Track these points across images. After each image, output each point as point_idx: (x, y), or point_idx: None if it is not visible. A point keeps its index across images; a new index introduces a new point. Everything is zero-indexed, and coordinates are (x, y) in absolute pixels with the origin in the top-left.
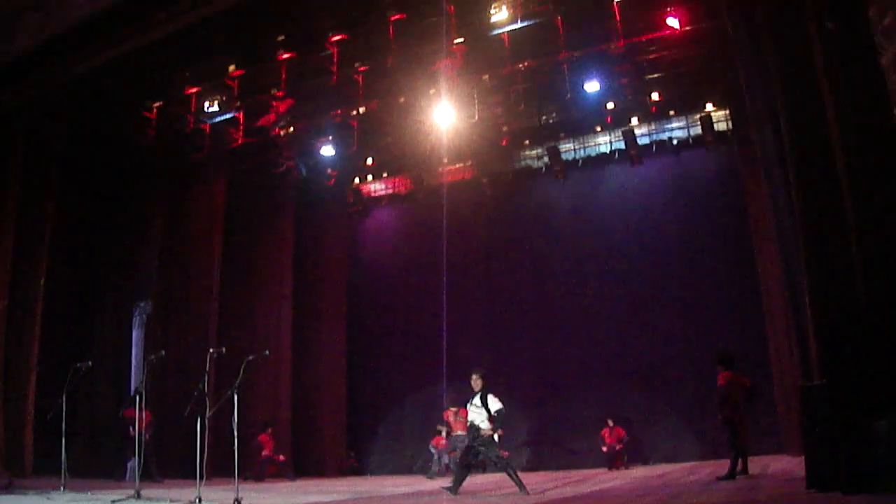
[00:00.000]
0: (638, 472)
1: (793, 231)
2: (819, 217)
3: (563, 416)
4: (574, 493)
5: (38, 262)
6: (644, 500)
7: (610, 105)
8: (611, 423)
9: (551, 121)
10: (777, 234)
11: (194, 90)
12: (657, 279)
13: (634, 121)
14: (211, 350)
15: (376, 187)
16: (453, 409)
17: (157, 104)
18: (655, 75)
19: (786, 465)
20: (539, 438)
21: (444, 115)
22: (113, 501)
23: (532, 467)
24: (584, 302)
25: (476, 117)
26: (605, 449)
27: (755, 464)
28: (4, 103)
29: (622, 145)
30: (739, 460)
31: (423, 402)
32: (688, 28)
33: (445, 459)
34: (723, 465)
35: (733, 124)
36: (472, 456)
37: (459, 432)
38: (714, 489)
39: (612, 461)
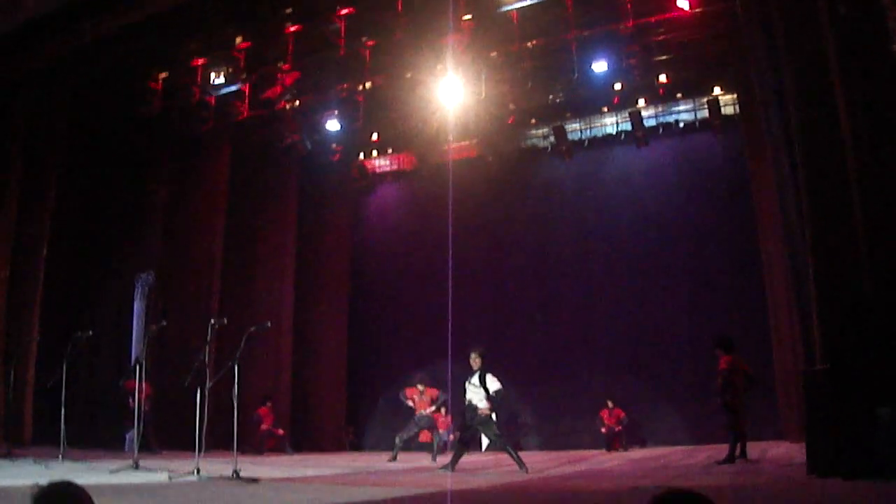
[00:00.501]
0: (636, 454)
1: (798, 215)
2: (826, 202)
3: (562, 397)
4: (573, 471)
5: (41, 233)
6: (643, 482)
7: (617, 86)
8: (610, 404)
9: (558, 100)
10: (782, 218)
11: (200, 61)
12: (660, 261)
13: (641, 102)
14: (212, 321)
15: (381, 163)
16: (419, 387)
17: (162, 75)
18: (664, 57)
19: (785, 451)
20: (538, 419)
21: (451, 92)
22: (111, 471)
23: (531, 447)
24: (587, 282)
25: (483, 95)
26: (603, 430)
27: (754, 449)
28: (8, 73)
29: (629, 126)
30: (738, 445)
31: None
32: (698, 10)
33: (445, 437)
34: (720, 450)
35: (741, 108)
36: (470, 434)
37: (423, 411)
38: (714, 472)
39: (611, 442)
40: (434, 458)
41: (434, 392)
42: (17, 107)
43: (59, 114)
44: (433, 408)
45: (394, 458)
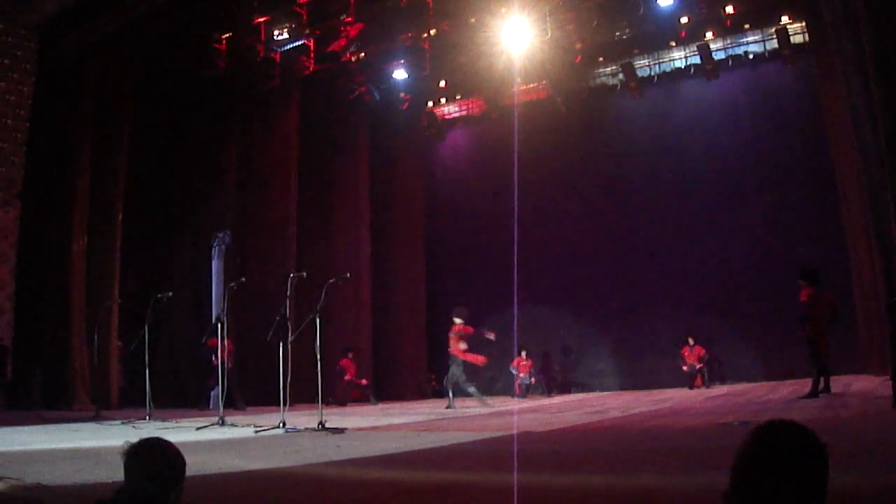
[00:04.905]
0: (718, 391)
1: (874, 142)
2: None
3: (642, 336)
4: (656, 410)
5: (115, 200)
6: (728, 418)
7: (684, 19)
8: (691, 341)
9: (625, 36)
10: (858, 146)
11: (263, 19)
12: (735, 196)
13: (709, 35)
14: (291, 275)
15: (450, 109)
16: (458, 321)
17: (226, 35)
18: None
19: (868, 385)
20: (618, 359)
21: (516, 34)
22: (197, 428)
23: (613, 388)
24: (662, 220)
25: (549, 35)
26: (685, 368)
27: (837, 383)
28: (75, 44)
29: (697, 60)
30: (821, 379)
31: (502, 322)
32: None
33: (527, 380)
34: (803, 384)
35: (810, 36)
36: None
37: (456, 354)
38: (798, 407)
39: (693, 380)
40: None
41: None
42: (85, 79)
43: (127, 82)
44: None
45: (482, 403)
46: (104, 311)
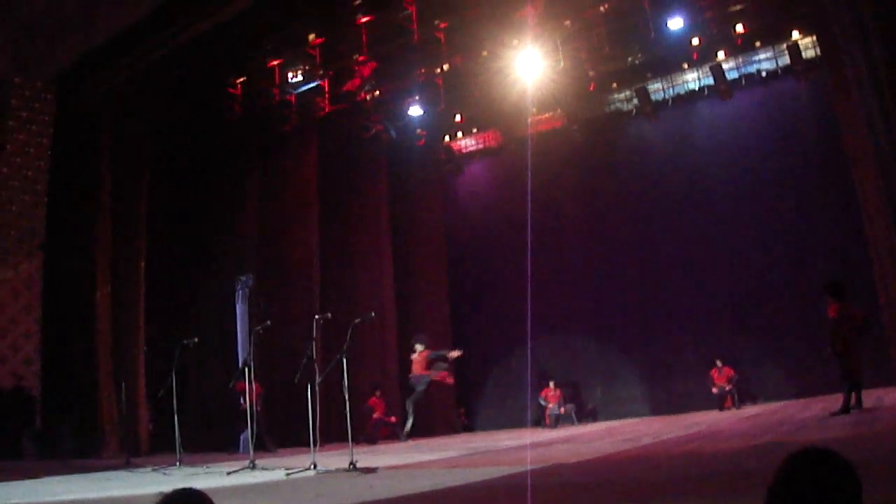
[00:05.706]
0: (750, 412)
1: (891, 151)
2: None
3: (669, 360)
4: (689, 434)
5: (137, 245)
6: (762, 440)
7: (695, 41)
8: (719, 363)
9: (637, 61)
10: (876, 158)
11: (276, 62)
12: (755, 214)
13: (721, 55)
14: (317, 316)
15: (467, 143)
16: (418, 347)
17: (240, 80)
18: (738, 7)
19: None
20: (647, 384)
21: (529, 65)
22: (228, 473)
23: (643, 414)
24: (682, 242)
25: (561, 64)
26: (714, 390)
27: (869, 397)
28: (91, 93)
29: (711, 81)
30: (853, 394)
31: (529, 355)
32: None
33: (556, 410)
34: (835, 401)
35: (821, 50)
36: None
37: (422, 374)
38: (831, 424)
39: (723, 402)
40: (405, 437)
41: (425, 355)
42: (102, 125)
43: (144, 129)
44: (429, 372)
45: (406, 433)
46: (131, 358)
